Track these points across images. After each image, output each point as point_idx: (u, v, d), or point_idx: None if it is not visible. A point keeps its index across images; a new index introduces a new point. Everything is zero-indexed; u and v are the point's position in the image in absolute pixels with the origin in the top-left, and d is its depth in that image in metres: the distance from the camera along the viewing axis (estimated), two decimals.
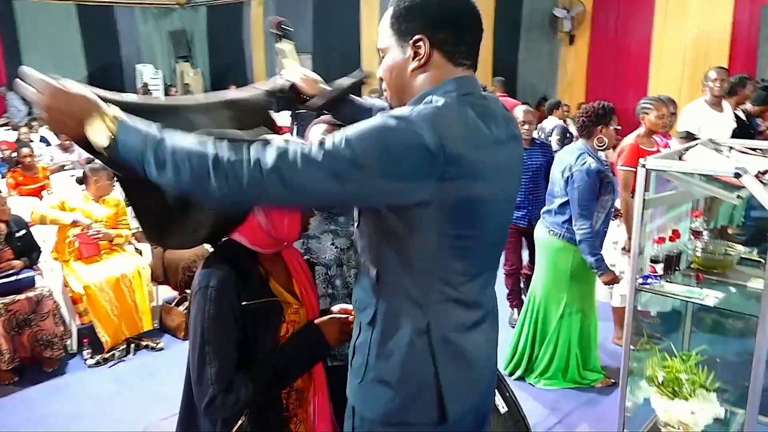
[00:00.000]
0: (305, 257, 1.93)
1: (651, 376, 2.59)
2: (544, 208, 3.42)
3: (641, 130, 3.64)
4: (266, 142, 1.13)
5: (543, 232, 3.40)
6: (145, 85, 14.57)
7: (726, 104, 4.46)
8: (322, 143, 1.11)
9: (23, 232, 3.86)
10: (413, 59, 1.24)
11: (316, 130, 1.94)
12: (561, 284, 3.34)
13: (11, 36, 13.86)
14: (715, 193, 2.17)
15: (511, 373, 3.55)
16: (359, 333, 1.33)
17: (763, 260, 2.46)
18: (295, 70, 1.67)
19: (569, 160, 3.18)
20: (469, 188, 1.18)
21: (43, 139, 8.88)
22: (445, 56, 1.24)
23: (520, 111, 4.11)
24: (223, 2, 15.27)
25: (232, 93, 1.55)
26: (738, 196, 2.09)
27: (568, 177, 3.16)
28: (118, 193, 4.33)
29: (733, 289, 2.41)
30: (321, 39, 13.52)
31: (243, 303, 1.36)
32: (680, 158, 2.33)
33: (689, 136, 4.09)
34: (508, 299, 4.26)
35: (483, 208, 1.24)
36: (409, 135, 1.11)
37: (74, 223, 4.02)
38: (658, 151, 3.54)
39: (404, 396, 1.26)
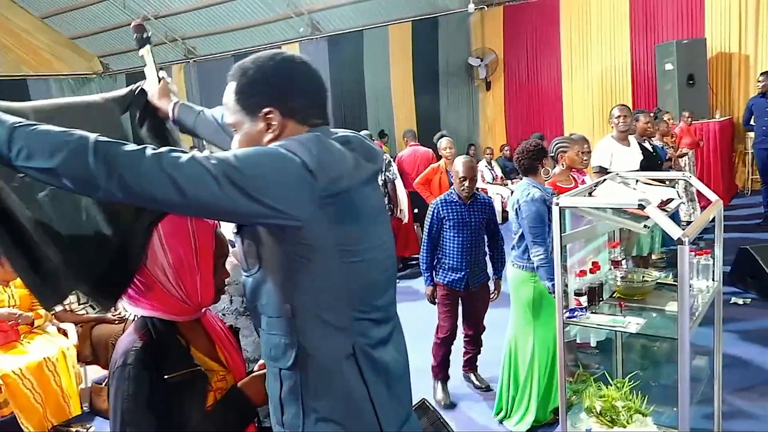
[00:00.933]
0: (243, 315, 1.90)
1: (589, 406, 2.65)
2: (511, 245, 3.50)
3: (557, 168, 3.83)
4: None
5: (509, 268, 3.53)
6: None
7: (632, 138, 4.77)
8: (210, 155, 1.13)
9: None
10: (267, 131, 1.27)
11: None
12: (527, 316, 3.39)
13: None
14: (624, 224, 2.30)
15: (501, 420, 3.55)
16: (281, 384, 1.30)
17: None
18: (154, 80, 1.67)
19: (517, 196, 3.38)
20: (348, 202, 1.23)
21: None
22: (299, 122, 1.28)
23: (460, 164, 3.63)
24: (140, 69, 15.11)
25: (89, 97, 1.56)
26: (645, 226, 2.22)
27: (516, 209, 3.34)
28: None
29: (654, 314, 2.52)
30: None
31: (165, 376, 1.31)
32: (590, 194, 2.46)
33: (602, 171, 4.34)
34: (432, 371, 3.83)
35: (365, 221, 1.28)
36: (289, 155, 1.16)
37: None
38: (576, 186, 3.72)
39: (350, 425, 1.27)
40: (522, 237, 3.36)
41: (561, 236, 2.28)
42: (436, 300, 3.80)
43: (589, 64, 9.57)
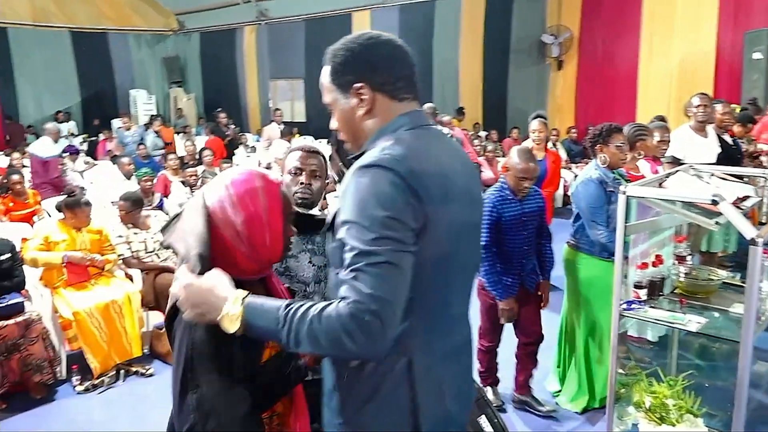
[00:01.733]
0: (283, 276, 1.96)
1: (638, 401, 2.61)
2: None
3: (629, 156, 3.70)
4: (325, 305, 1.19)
5: (564, 246, 3.49)
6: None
7: (710, 129, 4.55)
8: (355, 258, 1.17)
9: (7, 255, 3.85)
10: (359, 106, 1.33)
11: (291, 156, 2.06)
12: (580, 297, 3.36)
13: (5, 63, 13.91)
14: (693, 219, 2.22)
15: (555, 395, 3.57)
16: (337, 374, 1.36)
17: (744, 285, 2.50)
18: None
19: (579, 179, 3.33)
20: (434, 213, 1.23)
21: None
22: (388, 95, 1.34)
23: (522, 161, 3.14)
24: (215, 28, 15.44)
25: None
26: (716, 223, 2.14)
27: (573, 192, 3.31)
28: (99, 221, 4.39)
29: (716, 314, 2.44)
30: (313, 64, 13.67)
31: None
32: (660, 185, 2.37)
33: (675, 161, 4.16)
34: (480, 376, 3.46)
35: (451, 232, 1.29)
36: (388, 182, 1.19)
37: (67, 260, 4.04)
38: (644, 176, 3.60)
39: (385, 428, 1.30)
40: (578, 217, 3.33)
41: (625, 226, 2.22)
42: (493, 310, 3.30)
43: (670, 49, 9.09)
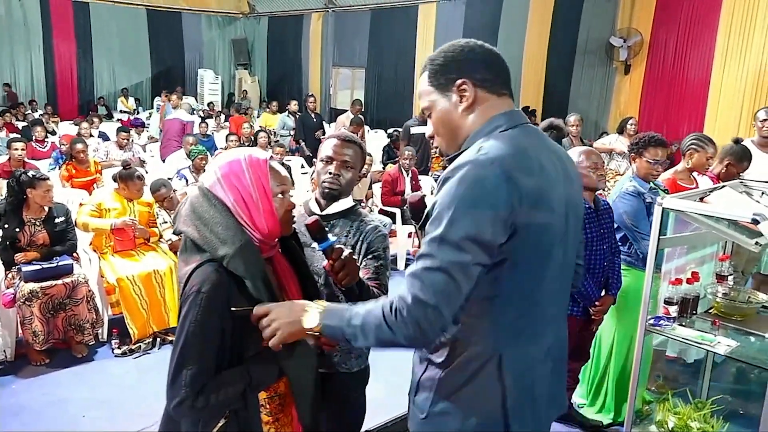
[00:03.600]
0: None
1: (661, 420, 2.52)
2: None
3: (681, 165, 3.55)
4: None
5: None
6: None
7: None
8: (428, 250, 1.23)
9: (62, 219, 4.05)
10: (461, 102, 1.36)
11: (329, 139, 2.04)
12: (612, 309, 3.19)
13: (86, 37, 14.62)
14: (731, 237, 2.11)
15: (581, 406, 3.47)
16: (425, 370, 1.40)
17: None
18: None
19: (614, 192, 3.21)
20: (526, 217, 1.23)
21: (101, 135, 9.31)
22: (487, 91, 1.37)
23: (588, 162, 2.85)
24: (284, 13, 15.69)
25: None
26: (756, 243, 2.02)
27: (612, 206, 3.09)
28: (148, 196, 4.56)
29: (752, 339, 2.32)
30: (376, 53, 13.72)
31: (232, 308, 1.40)
32: (702, 199, 2.27)
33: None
34: None
35: (544, 237, 1.30)
36: (480, 185, 1.22)
37: (115, 228, 4.22)
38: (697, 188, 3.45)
39: (469, 428, 1.33)
40: (618, 228, 3.17)
41: (659, 238, 2.14)
42: None
43: (747, 56, 8.59)
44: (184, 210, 1.49)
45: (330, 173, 1.96)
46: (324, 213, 1.97)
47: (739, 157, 3.72)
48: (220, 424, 1.45)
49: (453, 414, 1.34)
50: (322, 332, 1.34)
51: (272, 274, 1.54)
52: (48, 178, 3.98)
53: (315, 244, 1.62)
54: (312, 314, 1.36)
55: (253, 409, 1.49)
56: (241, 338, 1.43)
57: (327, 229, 1.67)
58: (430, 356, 1.39)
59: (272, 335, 1.36)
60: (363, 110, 9.77)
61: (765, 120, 4.16)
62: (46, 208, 3.98)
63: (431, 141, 1.46)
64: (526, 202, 1.22)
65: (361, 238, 1.94)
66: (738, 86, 8.64)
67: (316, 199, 2.02)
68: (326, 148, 2.00)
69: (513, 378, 1.32)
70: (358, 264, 1.77)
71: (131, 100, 14.74)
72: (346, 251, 1.61)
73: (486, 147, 1.26)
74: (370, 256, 1.93)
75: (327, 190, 1.97)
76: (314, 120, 9.24)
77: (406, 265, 4.34)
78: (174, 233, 4.40)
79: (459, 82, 1.35)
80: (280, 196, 1.49)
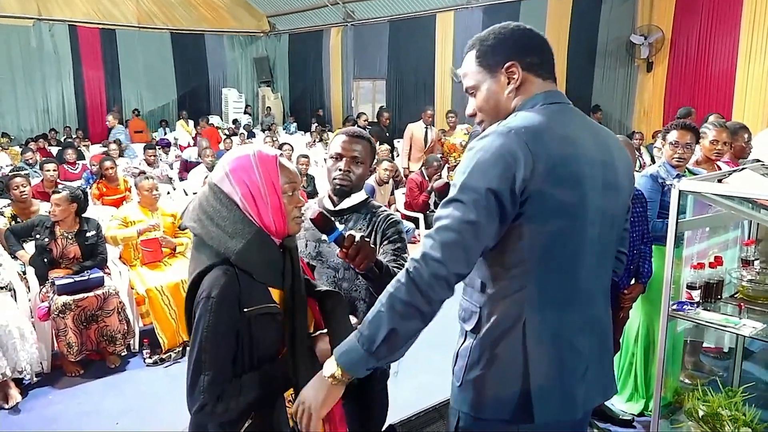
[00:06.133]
0: (315, 260, 1.99)
1: (690, 409, 2.48)
2: None
3: (698, 155, 3.51)
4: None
5: None
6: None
7: None
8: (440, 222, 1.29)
9: (93, 233, 4.18)
10: (508, 84, 1.40)
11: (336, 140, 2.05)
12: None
13: (113, 63, 15.04)
14: (754, 217, 2.07)
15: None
16: (464, 340, 1.43)
17: None
18: None
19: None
20: (549, 180, 1.26)
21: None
22: (534, 74, 1.40)
23: None
24: (304, 30, 15.92)
25: None
26: None
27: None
28: (175, 205, 4.66)
29: None
30: (395, 64, 13.81)
31: (245, 310, 1.39)
32: (720, 181, 2.24)
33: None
34: None
35: (577, 212, 1.31)
36: (501, 146, 1.26)
37: (141, 233, 4.33)
38: None
39: (495, 394, 1.35)
40: None
41: (677, 221, 2.11)
42: None
43: None
44: (191, 206, 1.49)
45: (340, 170, 1.98)
46: (338, 208, 2.00)
47: (732, 131, 3.69)
48: (246, 425, 1.44)
49: (481, 380, 1.37)
50: (343, 368, 1.33)
51: (288, 261, 1.51)
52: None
53: (325, 237, 1.64)
54: (327, 366, 1.36)
55: (279, 406, 1.48)
56: (255, 339, 1.42)
57: (339, 221, 1.69)
58: (464, 325, 1.43)
59: (308, 419, 1.36)
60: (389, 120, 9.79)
61: None
62: (78, 222, 4.10)
63: (473, 118, 1.48)
64: (544, 167, 1.24)
65: (374, 229, 1.96)
66: (764, 79, 8.47)
67: (329, 195, 2.05)
68: (335, 145, 2.03)
69: (536, 345, 1.32)
70: (377, 252, 1.78)
71: (180, 122, 14.85)
72: (358, 236, 1.61)
73: (510, 119, 1.31)
74: (386, 242, 1.95)
75: (338, 187, 1.99)
76: (386, 135, 9.27)
77: None
78: (179, 228, 4.52)
79: (508, 64, 1.38)
80: (289, 193, 1.48)
